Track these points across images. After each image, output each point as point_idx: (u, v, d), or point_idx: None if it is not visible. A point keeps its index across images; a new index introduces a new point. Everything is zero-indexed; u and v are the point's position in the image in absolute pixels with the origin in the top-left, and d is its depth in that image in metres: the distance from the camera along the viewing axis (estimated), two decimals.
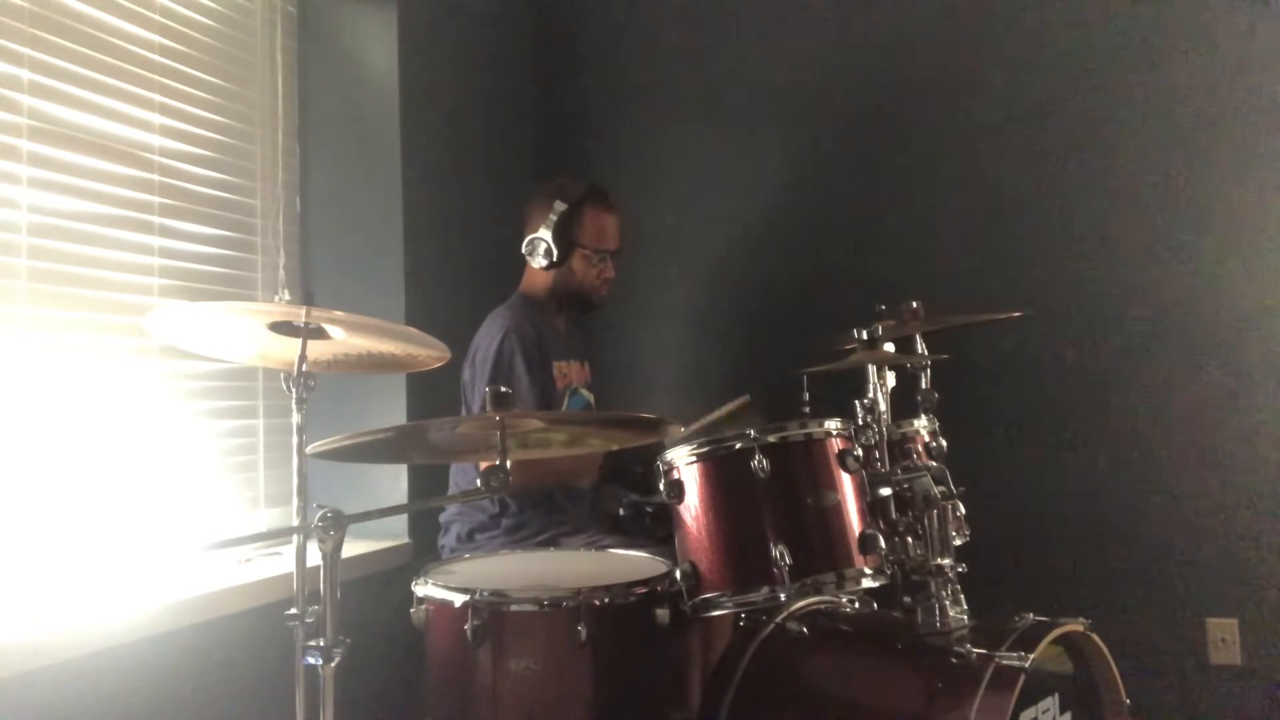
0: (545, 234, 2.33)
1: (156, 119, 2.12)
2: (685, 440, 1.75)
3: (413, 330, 1.55)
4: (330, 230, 2.54)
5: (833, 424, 1.73)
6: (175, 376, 2.13)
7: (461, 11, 2.90)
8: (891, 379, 1.90)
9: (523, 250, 2.38)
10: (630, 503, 2.31)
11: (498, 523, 2.27)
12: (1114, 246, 2.71)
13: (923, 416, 2.04)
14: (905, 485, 1.73)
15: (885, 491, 1.72)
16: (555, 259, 2.34)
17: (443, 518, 2.36)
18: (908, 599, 1.73)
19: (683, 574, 1.69)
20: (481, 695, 1.62)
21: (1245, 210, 2.61)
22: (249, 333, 1.53)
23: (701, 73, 3.11)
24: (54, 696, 1.59)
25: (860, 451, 1.73)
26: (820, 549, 1.66)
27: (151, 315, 1.51)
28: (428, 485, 2.48)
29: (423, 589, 1.71)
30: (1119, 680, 1.75)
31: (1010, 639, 1.58)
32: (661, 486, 1.76)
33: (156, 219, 2.11)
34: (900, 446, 1.95)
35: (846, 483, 1.70)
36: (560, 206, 2.33)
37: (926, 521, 1.71)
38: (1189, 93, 2.66)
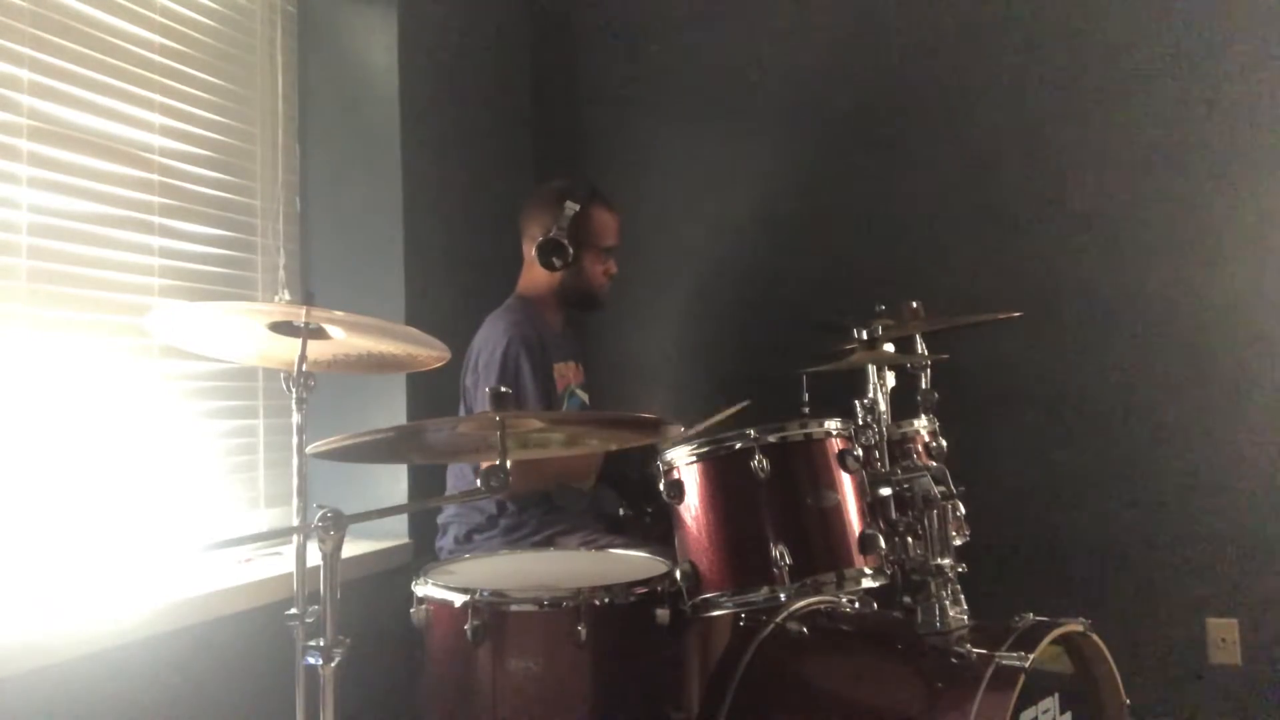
0: (559, 235, 2.34)
1: (156, 119, 2.12)
2: (684, 442, 1.75)
3: (413, 330, 1.55)
4: (330, 230, 2.54)
5: (833, 424, 1.73)
6: (175, 376, 2.13)
7: (461, 11, 2.90)
8: (891, 379, 1.91)
9: (533, 253, 2.38)
10: (628, 510, 2.32)
11: (495, 523, 2.27)
12: (1114, 246, 2.71)
13: (923, 416, 2.04)
14: (905, 485, 1.73)
15: (885, 491, 1.72)
16: (569, 259, 2.35)
17: (440, 519, 2.36)
18: (908, 599, 1.73)
19: (683, 574, 1.69)
20: (481, 695, 1.62)
21: (1249, 209, 2.61)
22: (249, 333, 1.53)
23: (701, 72, 3.11)
24: (54, 696, 1.59)
25: (860, 451, 1.73)
26: (820, 549, 1.66)
27: (151, 315, 1.51)
28: (428, 485, 2.48)
29: (423, 589, 1.71)
30: (1119, 680, 1.75)
31: (1010, 639, 1.58)
32: (661, 486, 1.76)
33: (156, 219, 2.11)
34: (900, 446, 1.95)
35: (846, 483, 1.70)
36: (572, 207, 2.34)
37: (926, 521, 1.71)
38: (1192, 92, 2.66)
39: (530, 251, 2.40)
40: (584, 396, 2.48)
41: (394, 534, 2.46)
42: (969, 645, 1.57)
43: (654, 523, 2.18)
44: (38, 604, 1.68)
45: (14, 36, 1.80)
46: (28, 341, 1.79)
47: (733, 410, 2.34)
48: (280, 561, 2.12)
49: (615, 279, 2.49)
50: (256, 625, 1.91)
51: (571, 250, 2.34)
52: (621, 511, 2.50)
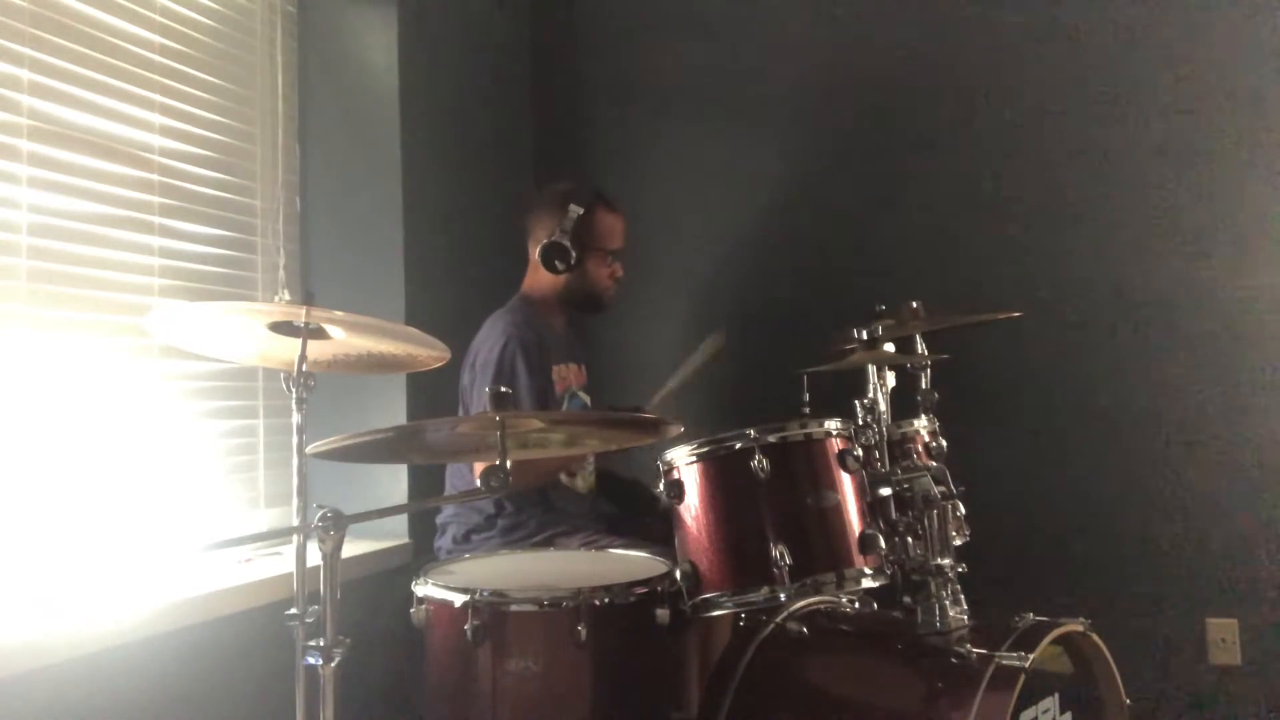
0: (564, 239, 2.34)
1: (156, 119, 2.12)
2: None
3: (413, 330, 1.55)
4: (330, 230, 2.54)
5: (833, 424, 1.73)
6: (175, 376, 2.13)
7: (461, 11, 2.90)
8: (891, 379, 1.90)
9: (536, 256, 2.38)
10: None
11: (494, 524, 2.27)
12: (1114, 246, 2.71)
13: (923, 416, 2.04)
14: (905, 485, 1.73)
15: (885, 491, 1.72)
16: (573, 262, 2.35)
17: (439, 519, 2.36)
18: (908, 599, 1.73)
19: (683, 574, 1.69)
20: (481, 695, 1.62)
21: (1247, 209, 2.61)
22: (249, 333, 1.53)
23: (701, 72, 3.11)
24: (54, 696, 1.59)
25: (860, 451, 1.73)
26: (820, 549, 1.66)
27: (151, 315, 1.51)
28: (428, 485, 2.48)
29: (423, 589, 1.71)
30: (1119, 680, 1.75)
31: (1010, 639, 1.58)
32: (661, 486, 1.76)
33: (156, 219, 2.11)
34: (900, 446, 1.95)
35: (846, 483, 1.70)
36: (576, 210, 2.35)
37: (926, 521, 1.71)
38: (1189, 93, 2.66)
39: (534, 253, 2.40)
40: (585, 399, 2.48)
41: (394, 534, 2.46)
42: (969, 645, 1.57)
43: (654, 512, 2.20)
44: (38, 604, 1.68)
45: (14, 36, 1.79)
46: (28, 341, 1.79)
47: (709, 347, 2.38)
48: (280, 561, 2.12)
49: (619, 280, 2.49)
50: (256, 625, 1.91)
51: (575, 253, 2.35)
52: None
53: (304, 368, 1.46)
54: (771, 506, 1.66)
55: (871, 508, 1.71)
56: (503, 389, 1.40)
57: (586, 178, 2.59)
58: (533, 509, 2.29)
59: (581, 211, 2.35)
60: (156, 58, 2.12)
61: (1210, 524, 2.60)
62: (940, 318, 2.19)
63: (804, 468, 1.70)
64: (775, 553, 1.61)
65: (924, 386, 2.07)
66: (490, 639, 1.61)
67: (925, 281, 2.71)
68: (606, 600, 1.63)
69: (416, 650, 1.74)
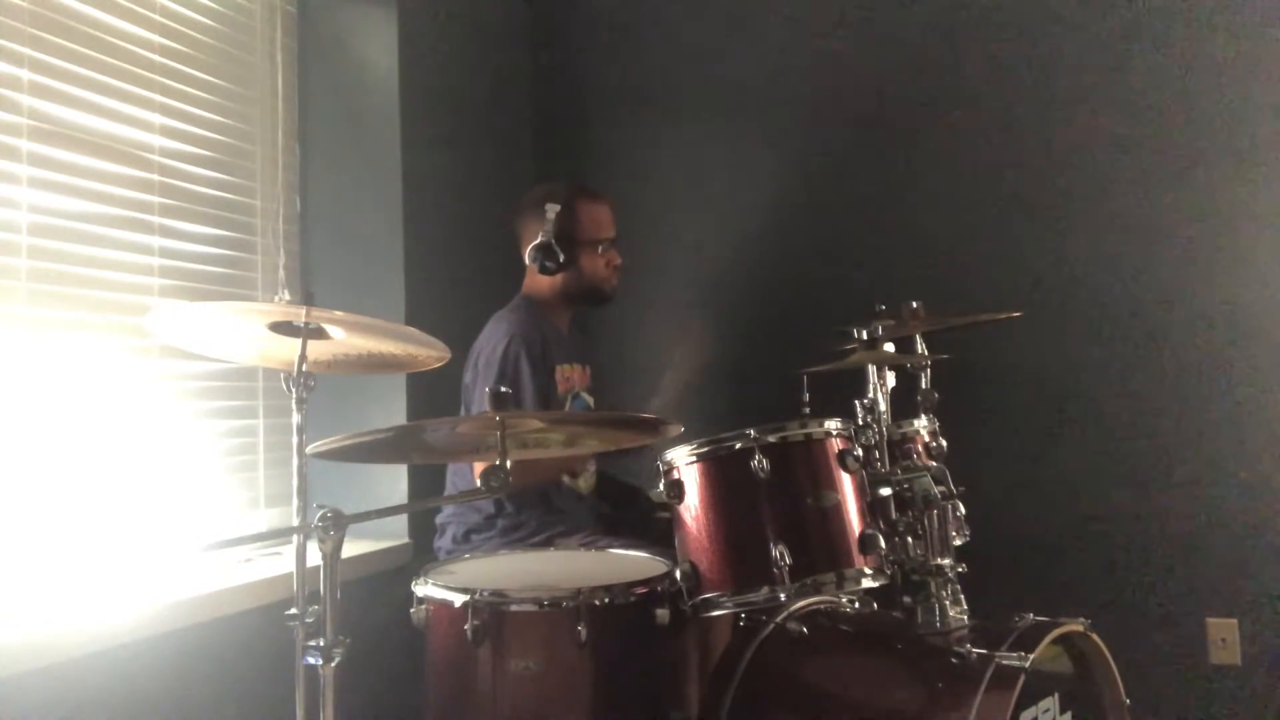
0: (548, 239, 2.33)
1: (156, 119, 2.12)
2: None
3: (413, 330, 1.55)
4: (330, 230, 2.54)
5: (833, 424, 1.73)
6: (175, 376, 2.13)
7: (461, 11, 2.90)
8: (891, 379, 1.90)
9: (527, 260, 2.38)
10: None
11: (494, 524, 2.27)
12: (1114, 246, 2.71)
13: (923, 416, 2.04)
14: (905, 485, 1.73)
15: (885, 491, 1.72)
16: (563, 261, 2.34)
17: (439, 519, 2.36)
18: (908, 599, 1.73)
19: (683, 574, 1.69)
20: (481, 695, 1.62)
21: (1246, 208, 2.61)
22: (249, 333, 1.53)
23: (701, 73, 3.11)
24: (54, 696, 1.59)
25: (860, 451, 1.73)
26: (820, 549, 1.66)
27: (151, 315, 1.51)
28: (428, 485, 2.48)
29: (423, 589, 1.71)
30: (1119, 680, 1.75)
31: (1010, 639, 1.58)
32: (661, 486, 1.76)
33: (156, 219, 2.11)
34: (900, 446, 1.95)
35: (846, 483, 1.70)
36: (554, 208, 2.33)
37: (926, 521, 1.72)
38: (1188, 92, 2.66)
39: (527, 258, 2.40)
40: (589, 400, 2.47)
41: (394, 534, 2.46)
42: (969, 645, 1.57)
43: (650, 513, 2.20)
44: (38, 604, 1.68)
45: (14, 36, 1.79)
46: (28, 341, 1.79)
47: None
48: (280, 561, 2.12)
49: (622, 271, 2.46)
50: (256, 625, 1.91)
51: (562, 252, 2.33)
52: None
53: (304, 368, 1.46)
54: (771, 506, 1.66)
55: (871, 508, 1.71)
56: (504, 388, 1.40)
57: (572, 177, 2.58)
58: (533, 509, 2.28)
59: (559, 208, 2.34)
60: (156, 58, 2.12)
61: (1210, 524, 2.60)
62: (940, 318, 2.19)
63: (804, 468, 1.70)
64: (775, 553, 1.61)
65: (924, 386, 2.06)
66: (490, 639, 1.61)
67: (925, 281, 2.70)
68: (606, 600, 1.63)
69: (416, 650, 1.74)
